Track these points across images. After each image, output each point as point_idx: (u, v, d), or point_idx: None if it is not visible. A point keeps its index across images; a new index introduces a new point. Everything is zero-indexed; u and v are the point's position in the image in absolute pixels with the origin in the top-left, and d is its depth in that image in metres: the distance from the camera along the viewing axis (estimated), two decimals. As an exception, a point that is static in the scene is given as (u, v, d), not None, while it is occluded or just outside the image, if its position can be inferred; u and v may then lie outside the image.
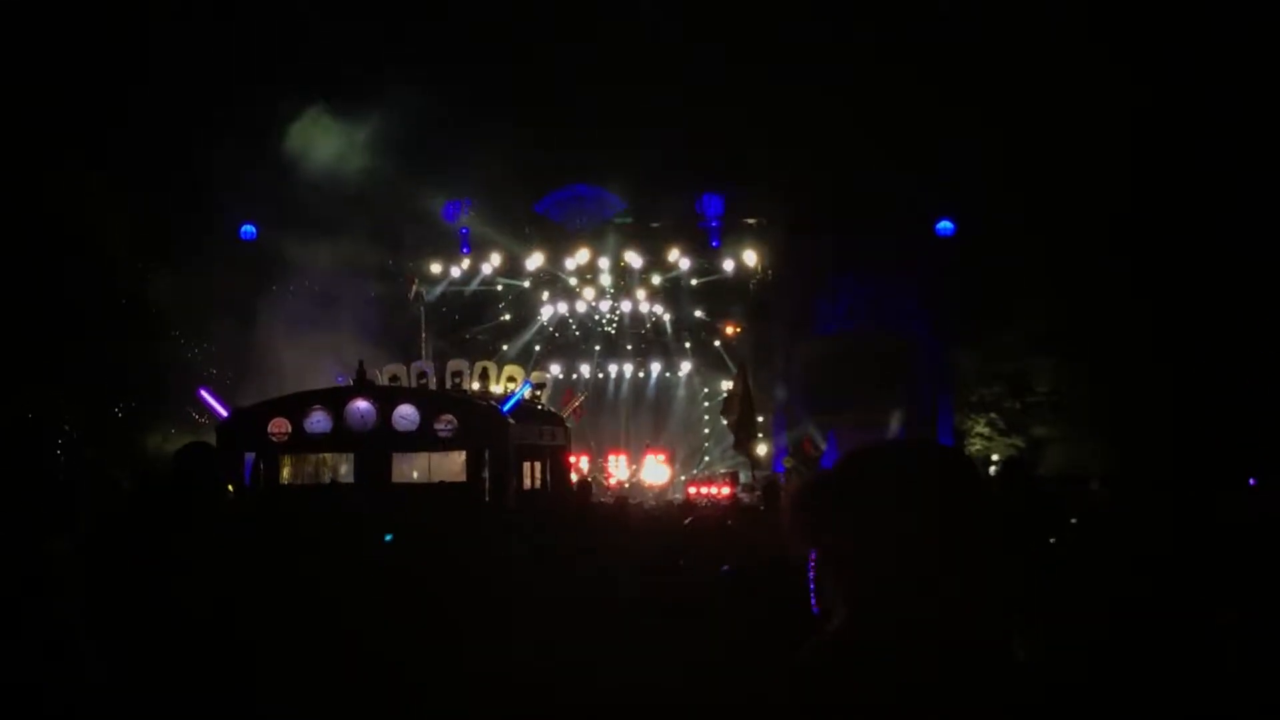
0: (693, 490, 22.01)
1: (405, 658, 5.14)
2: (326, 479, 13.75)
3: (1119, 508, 8.28)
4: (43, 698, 3.00)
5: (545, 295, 25.27)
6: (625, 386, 28.34)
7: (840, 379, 21.14)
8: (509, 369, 18.18)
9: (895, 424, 20.78)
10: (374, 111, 20.08)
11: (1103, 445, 18.89)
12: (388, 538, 7.49)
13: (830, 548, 1.48)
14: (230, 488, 12.84)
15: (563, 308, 25.63)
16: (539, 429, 15.69)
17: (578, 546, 6.98)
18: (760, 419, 20.52)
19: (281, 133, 19.81)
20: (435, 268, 23.48)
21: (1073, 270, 19.24)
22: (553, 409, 18.83)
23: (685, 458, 27.42)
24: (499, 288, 24.76)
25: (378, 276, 22.50)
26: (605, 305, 25.93)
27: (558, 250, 23.27)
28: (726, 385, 26.00)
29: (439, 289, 24.10)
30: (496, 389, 16.91)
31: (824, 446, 20.94)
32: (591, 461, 25.68)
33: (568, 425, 18.31)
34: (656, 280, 24.30)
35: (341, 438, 13.80)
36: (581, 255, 23.10)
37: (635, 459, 26.65)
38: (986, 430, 21.82)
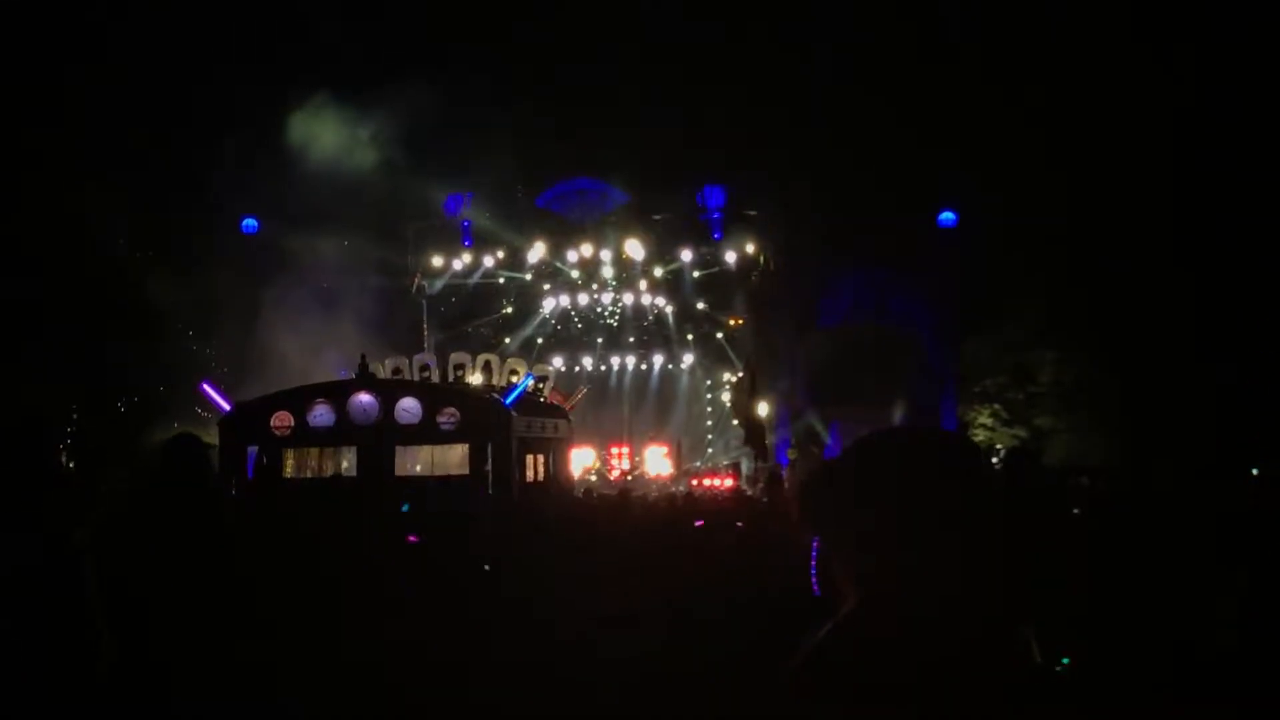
0: (695, 483, 22.02)
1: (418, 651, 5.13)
2: (329, 472, 13.75)
3: (1119, 498, 8.26)
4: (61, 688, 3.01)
5: (547, 288, 25.27)
6: (628, 379, 28.34)
7: (843, 370, 21.10)
8: (511, 362, 18.18)
9: (898, 415, 20.77)
10: (375, 104, 20.04)
11: (1106, 436, 18.88)
12: (405, 508, 7.48)
13: (839, 534, 1.48)
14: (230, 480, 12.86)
15: (565, 300, 25.62)
16: (541, 422, 15.69)
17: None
18: (764, 413, 20.53)
19: (283, 125, 19.78)
20: (437, 261, 23.47)
21: (1077, 261, 19.21)
22: (554, 402, 18.85)
23: (688, 449, 27.44)
24: (501, 281, 24.75)
25: (380, 270, 22.48)
26: (607, 298, 25.91)
27: (560, 243, 23.25)
28: (729, 378, 26.05)
29: (441, 282, 24.10)
30: (499, 382, 16.91)
31: (827, 438, 20.97)
32: (595, 454, 25.72)
33: (569, 418, 18.32)
34: (658, 272, 24.28)
35: (344, 431, 13.80)
36: (584, 248, 23.09)
37: (638, 451, 26.67)
38: (990, 421, 21.80)
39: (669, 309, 26.15)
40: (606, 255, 23.44)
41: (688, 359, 27.63)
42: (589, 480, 22.28)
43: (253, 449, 13.69)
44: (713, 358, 27.12)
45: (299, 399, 13.99)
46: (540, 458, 15.41)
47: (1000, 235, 19.94)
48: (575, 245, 23.13)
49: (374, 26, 20.29)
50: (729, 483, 20.80)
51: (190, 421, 17.46)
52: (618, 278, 24.73)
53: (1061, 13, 18.68)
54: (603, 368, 27.94)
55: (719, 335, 26.45)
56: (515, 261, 23.61)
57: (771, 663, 1.47)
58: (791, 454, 21.35)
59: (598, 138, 21.98)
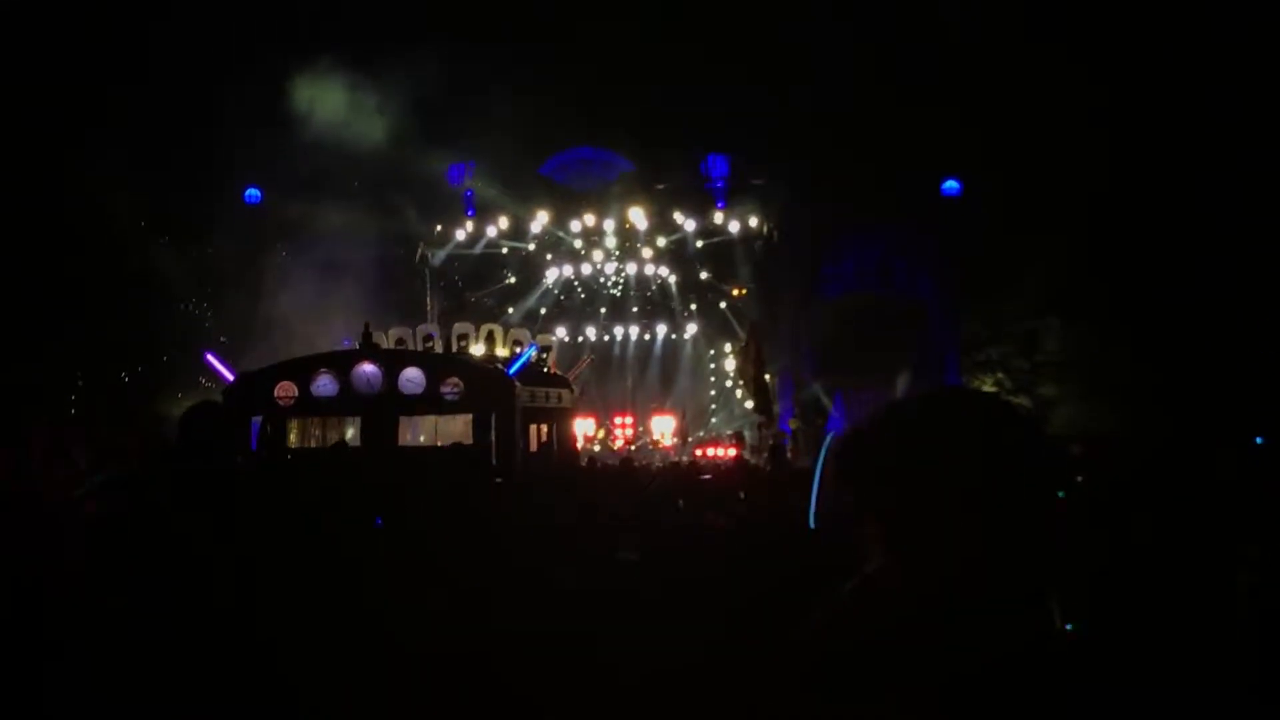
0: (699, 453, 22.07)
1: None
2: (333, 442, 13.76)
3: (1122, 465, 8.24)
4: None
5: (550, 258, 25.20)
6: (631, 349, 28.33)
7: (847, 340, 21.06)
8: (514, 332, 18.14)
9: (902, 385, 20.74)
10: (377, 72, 19.90)
11: (1111, 404, 18.85)
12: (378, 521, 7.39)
13: (872, 497, 1.47)
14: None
15: (568, 270, 25.56)
16: (545, 391, 15.68)
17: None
18: (768, 379, 20.51)
19: (285, 94, 19.64)
20: (440, 231, 23.40)
21: (1082, 229, 19.10)
22: (559, 372, 18.84)
23: (692, 418, 27.47)
24: (504, 251, 24.69)
25: (383, 240, 22.42)
26: (611, 268, 25.85)
27: (563, 212, 23.16)
28: (730, 348, 26.01)
29: (444, 252, 24.04)
30: (502, 352, 16.88)
31: (831, 408, 20.94)
32: (599, 424, 25.75)
33: (573, 388, 18.32)
34: (662, 242, 24.21)
35: (348, 401, 13.79)
36: (587, 218, 22.99)
37: (642, 421, 26.70)
38: (994, 390, 21.78)
39: (672, 279, 26.09)
40: (610, 225, 23.36)
41: (691, 329, 27.60)
42: (592, 450, 22.31)
43: (256, 419, 13.70)
44: (716, 327, 27.09)
45: (302, 369, 13.96)
46: (544, 427, 15.41)
47: (1004, 203, 19.83)
48: (578, 215, 23.04)
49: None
50: (732, 452, 20.83)
51: (194, 391, 17.48)
52: (621, 247, 24.66)
53: None
54: (606, 338, 27.92)
55: (722, 305, 26.40)
56: (518, 231, 23.54)
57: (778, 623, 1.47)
58: (794, 424, 21.35)
59: (603, 107, 21.83)
